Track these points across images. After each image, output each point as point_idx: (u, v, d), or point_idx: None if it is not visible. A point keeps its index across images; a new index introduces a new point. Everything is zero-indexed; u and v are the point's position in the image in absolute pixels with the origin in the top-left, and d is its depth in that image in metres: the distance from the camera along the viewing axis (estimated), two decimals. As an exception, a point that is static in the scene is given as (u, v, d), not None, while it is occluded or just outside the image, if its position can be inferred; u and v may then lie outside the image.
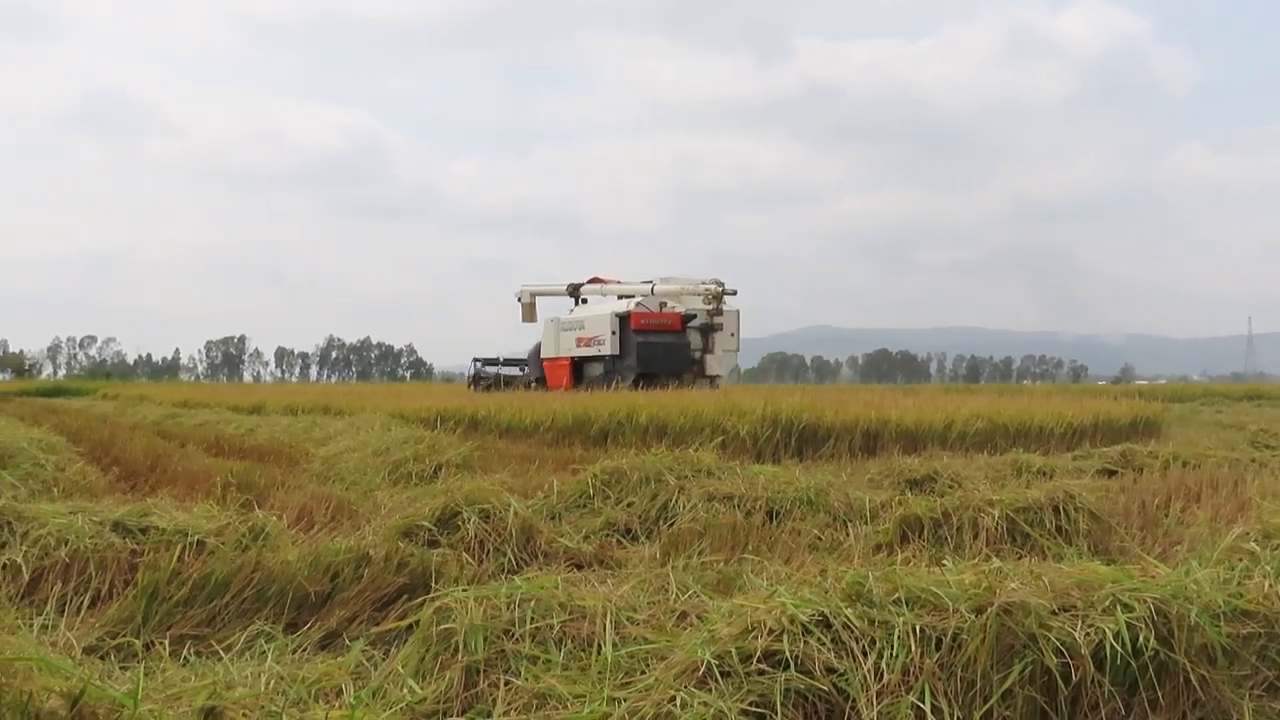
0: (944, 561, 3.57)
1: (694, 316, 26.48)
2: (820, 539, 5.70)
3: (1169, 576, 3.21)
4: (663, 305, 26.68)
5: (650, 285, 27.67)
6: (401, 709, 2.91)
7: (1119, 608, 2.95)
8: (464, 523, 5.24)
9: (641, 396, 15.72)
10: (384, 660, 3.38)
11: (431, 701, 2.94)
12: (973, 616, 2.87)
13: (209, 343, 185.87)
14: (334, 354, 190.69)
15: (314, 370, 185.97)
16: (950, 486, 7.17)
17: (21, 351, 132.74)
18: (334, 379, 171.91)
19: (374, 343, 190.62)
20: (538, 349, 29.70)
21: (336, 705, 3.00)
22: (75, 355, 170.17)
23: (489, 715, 2.86)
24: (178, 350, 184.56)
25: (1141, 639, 2.87)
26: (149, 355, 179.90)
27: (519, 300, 31.64)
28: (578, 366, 27.59)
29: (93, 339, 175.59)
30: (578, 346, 27.53)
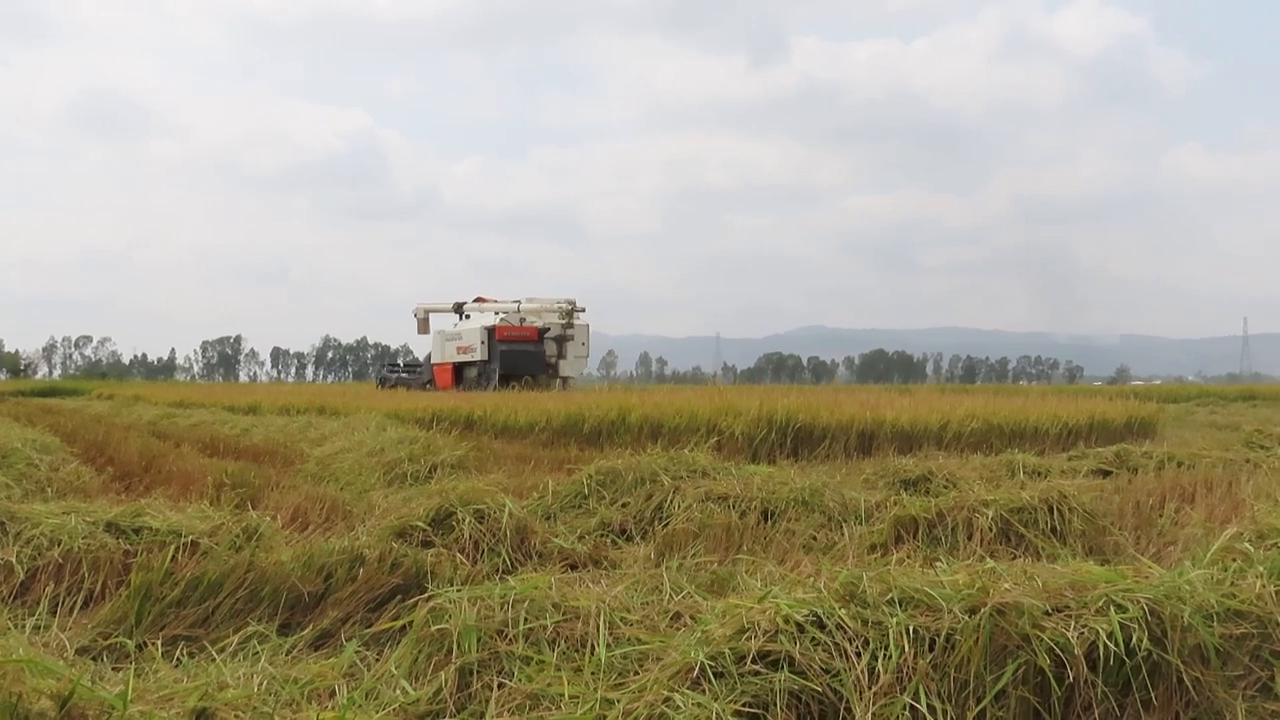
0: (938, 562, 3.57)
1: (548, 329, 31.67)
2: (815, 539, 5.69)
3: (1162, 577, 3.21)
4: (522, 320, 32.03)
5: (518, 304, 32.91)
6: (394, 710, 2.90)
7: (1112, 608, 2.95)
8: (459, 523, 5.23)
9: (634, 396, 15.77)
10: (377, 661, 3.37)
11: (425, 702, 2.94)
12: (966, 617, 2.87)
13: (205, 343, 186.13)
14: (330, 354, 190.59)
15: (310, 370, 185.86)
16: (945, 487, 7.15)
17: (17, 351, 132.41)
18: (330, 379, 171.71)
19: (370, 343, 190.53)
20: (429, 356, 35.11)
21: (329, 706, 2.99)
22: (71, 355, 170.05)
23: (482, 716, 2.85)
24: (174, 350, 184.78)
25: (1135, 640, 2.87)
26: (145, 355, 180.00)
27: (415, 316, 36.89)
28: (458, 370, 32.50)
29: (88, 339, 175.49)
30: (458, 354, 32.60)
